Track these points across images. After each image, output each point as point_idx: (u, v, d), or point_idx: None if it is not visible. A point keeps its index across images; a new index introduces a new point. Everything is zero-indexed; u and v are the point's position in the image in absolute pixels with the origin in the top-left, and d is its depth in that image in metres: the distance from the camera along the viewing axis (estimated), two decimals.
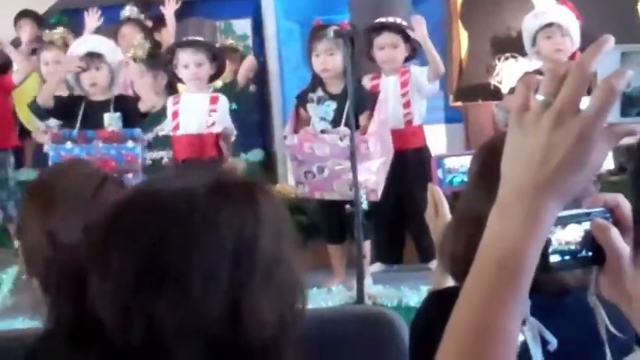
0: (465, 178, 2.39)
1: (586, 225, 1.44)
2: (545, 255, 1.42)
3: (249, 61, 8.21)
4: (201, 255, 1.29)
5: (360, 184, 5.36)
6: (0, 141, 7.98)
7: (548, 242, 1.42)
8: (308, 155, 5.61)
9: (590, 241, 1.43)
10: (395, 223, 6.01)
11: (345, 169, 5.45)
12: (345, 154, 5.42)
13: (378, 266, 6.07)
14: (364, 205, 5.29)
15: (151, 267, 1.29)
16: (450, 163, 2.43)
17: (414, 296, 5.05)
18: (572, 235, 1.43)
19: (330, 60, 5.75)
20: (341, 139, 5.51)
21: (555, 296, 1.82)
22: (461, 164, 2.42)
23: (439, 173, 2.42)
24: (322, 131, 5.69)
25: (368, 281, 5.40)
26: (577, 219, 1.44)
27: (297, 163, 5.71)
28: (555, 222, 1.42)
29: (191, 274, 1.28)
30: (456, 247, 2.00)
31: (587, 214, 1.44)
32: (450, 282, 2.32)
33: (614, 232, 1.41)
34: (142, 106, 5.98)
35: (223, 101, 6.16)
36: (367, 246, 5.65)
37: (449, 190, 2.41)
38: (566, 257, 1.43)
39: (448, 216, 2.32)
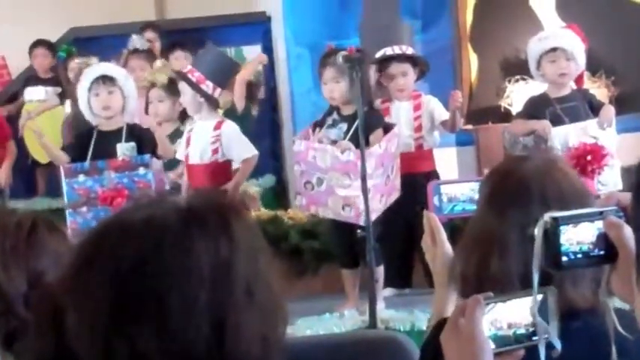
0: (467, 207, 2.38)
1: (599, 224, 1.45)
2: (557, 253, 1.43)
3: (239, 84, 8.12)
4: (177, 282, 1.29)
5: (350, 200, 5.36)
6: None
7: (559, 241, 1.43)
8: (310, 164, 5.59)
9: (602, 239, 1.44)
10: (404, 247, 6.01)
11: (340, 185, 5.46)
12: (344, 169, 5.44)
13: (389, 291, 6.05)
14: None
15: (127, 298, 1.28)
16: (448, 190, 2.41)
17: (427, 320, 5.03)
18: (584, 233, 1.44)
19: (336, 88, 5.76)
20: (342, 152, 5.52)
21: (564, 318, 1.82)
22: (461, 192, 2.40)
23: (435, 200, 2.40)
24: (320, 141, 5.71)
25: (380, 306, 5.39)
26: (590, 218, 1.45)
27: (299, 171, 5.69)
28: (567, 220, 1.43)
29: (169, 301, 1.28)
30: (467, 268, 2.01)
31: (600, 213, 1.45)
32: (452, 308, 2.31)
33: (627, 230, 1.41)
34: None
35: (229, 126, 6.08)
36: (380, 271, 5.64)
37: (446, 217, 2.39)
38: (579, 255, 1.44)
39: (446, 243, 2.30)
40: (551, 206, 1.92)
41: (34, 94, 8.54)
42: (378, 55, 6.21)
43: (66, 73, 8.09)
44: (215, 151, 5.99)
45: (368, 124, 5.45)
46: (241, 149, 6.02)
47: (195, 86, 5.97)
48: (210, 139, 5.97)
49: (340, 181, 5.49)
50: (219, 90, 6.05)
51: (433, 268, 2.33)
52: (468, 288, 1.97)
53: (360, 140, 5.15)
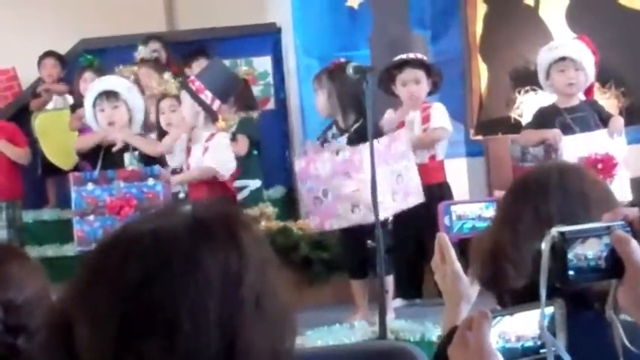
0: (476, 224, 2.39)
1: (606, 239, 1.45)
2: (564, 268, 1.44)
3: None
4: (187, 295, 1.28)
5: (356, 199, 5.34)
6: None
7: (566, 255, 1.43)
8: (313, 177, 5.58)
9: (609, 254, 1.44)
10: (414, 257, 6.00)
11: (343, 185, 5.44)
12: (343, 169, 5.43)
13: (399, 301, 6.05)
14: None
15: (136, 313, 1.28)
16: (458, 210, 2.42)
17: (437, 331, 5.03)
18: (592, 248, 1.45)
19: (317, 101, 5.83)
20: (337, 154, 5.51)
21: (574, 307, 1.82)
22: (471, 210, 2.42)
23: (446, 220, 2.41)
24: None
25: (390, 316, 5.38)
26: (597, 233, 1.45)
27: (306, 190, 5.68)
28: (576, 236, 1.44)
29: (180, 315, 1.27)
30: (479, 248, 2.01)
31: (607, 228, 1.46)
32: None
33: (634, 245, 1.41)
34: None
35: (218, 138, 6.14)
36: (390, 281, 5.64)
37: (457, 237, 2.40)
38: (586, 270, 1.45)
39: (455, 262, 2.30)
40: (572, 197, 1.93)
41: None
42: (394, 60, 6.21)
43: (79, 83, 8.12)
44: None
45: (364, 135, 5.39)
46: (214, 157, 6.01)
47: (193, 94, 6.00)
48: (201, 150, 6.01)
49: (343, 182, 5.47)
50: (218, 102, 6.06)
51: (443, 287, 2.34)
52: (486, 271, 1.98)
53: (370, 149, 5.12)
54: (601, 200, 1.95)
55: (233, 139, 7.22)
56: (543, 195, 1.95)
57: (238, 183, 6.97)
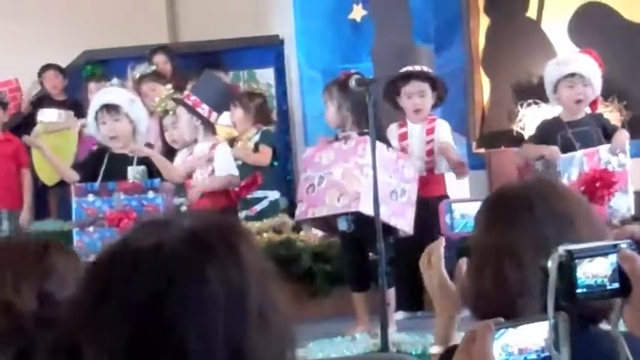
0: None
1: (613, 257, 1.46)
2: (572, 286, 1.44)
3: None
4: (195, 314, 1.27)
5: (344, 188, 5.35)
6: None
7: (574, 274, 1.44)
8: (315, 165, 5.59)
9: (616, 272, 1.45)
10: (416, 270, 5.98)
11: (339, 171, 5.46)
12: (345, 155, 5.46)
13: (401, 314, 6.05)
14: (343, 226, 5.38)
15: (145, 334, 1.26)
16: (460, 208, 2.41)
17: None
18: (598, 267, 1.45)
19: (327, 112, 5.84)
20: (345, 142, 5.52)
21: (588, 323, 1.82)
22: (473, 209, 2.41)
23: (447, 219, 2.40)
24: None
25: (392, 329, 5.38)
26: (604, 251, 1.46)
27: (304, 179, 5.69)
28: (583, 254, 1.44)
29: (189, 334, 1.26)
30: (481, 283, 1.99)
31: (614, 246, 1.46)
32: (456, 335, 2.30)
33: None
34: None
35: (221, 149, 6.19)
36: (391, 293, 5.63)
37: (459, 235, 2.39)
38: (593, 289, 1.45)
39: (441, 267, 2.29)
40: (555, 212, 1.93)
41: (47, 115, 8.56)
42: (400, 71, 6.21)
43: (87, 95, 8.15)
44: (211, 173, 6.05)
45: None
46: (225, 166, 6.10)
47: (191, 109, 6.06)
48: (205, 162, 6.06)
49: (340, 168, 5.47)
50: (215, 114, 6.15)
51: (430, 290, 2.34)
52: (484, 303, 1.95)
53: (372, 158, 5.12)
54: (585, 218, 1.95)
55: (256, 149, 7.28)
56: (532, 219, 1.93)
57: (259, 194, 7.03)
